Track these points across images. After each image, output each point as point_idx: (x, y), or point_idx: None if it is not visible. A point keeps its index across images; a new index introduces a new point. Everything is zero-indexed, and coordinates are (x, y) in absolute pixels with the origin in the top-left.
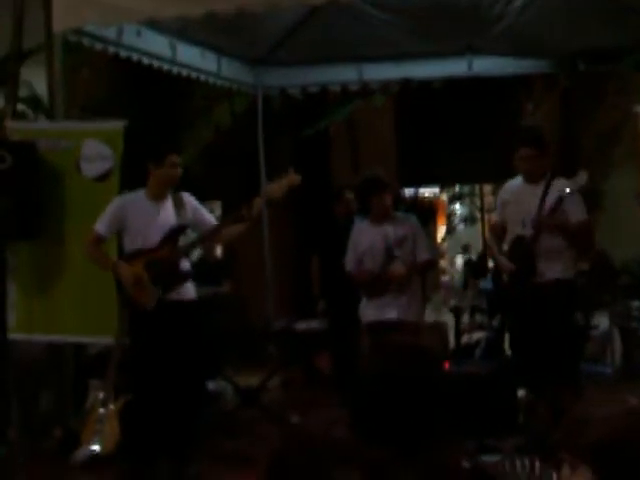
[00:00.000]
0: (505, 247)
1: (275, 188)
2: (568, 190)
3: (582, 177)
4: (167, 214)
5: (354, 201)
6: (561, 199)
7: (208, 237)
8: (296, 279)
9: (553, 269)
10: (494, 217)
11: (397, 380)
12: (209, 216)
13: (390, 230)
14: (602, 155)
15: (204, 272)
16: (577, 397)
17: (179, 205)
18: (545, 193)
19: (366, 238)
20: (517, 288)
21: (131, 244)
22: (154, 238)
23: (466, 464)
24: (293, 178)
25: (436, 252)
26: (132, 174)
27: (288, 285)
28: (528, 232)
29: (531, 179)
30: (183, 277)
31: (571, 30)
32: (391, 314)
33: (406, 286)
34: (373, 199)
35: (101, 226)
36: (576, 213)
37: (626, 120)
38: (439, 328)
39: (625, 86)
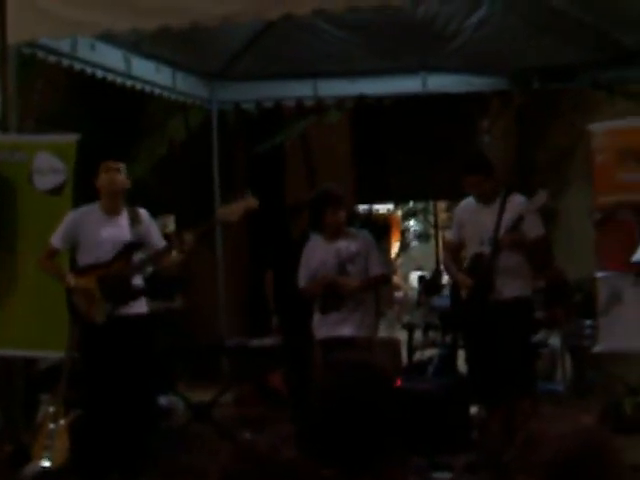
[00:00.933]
0: (464, 265)
1: (231, 211)
2: (528, 209)
3: (542, 196)
4: (121, 229)
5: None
6: (521, 217)
7: (155, 259)
8: (250, 295)
9: (511, 287)
10: (448, 235)
11: (345, 398)
12: (159, 237)
13: (343, 246)
14: (557, 172)
15: (157, 287)
16: (531, 414)
17: (135, 220)
18: (501, 211)
19: (319, 254)
20: (475, 305)
21: (84, 258)
22: (107, 252)
23: None
24: (251, 202)
25: (389, 268)
26: (85, 188)
27: (242, 301)
28: (487, 250)
29: (484, 201)
30: (135, 293)
31: (526, 47)
32: (344, 330)
33: (359, 302)
34: (326, 215)
35: (56, 239)
36: (533, 229)
37: (581, 137)
38: (392, 344)
39: (580, 103)
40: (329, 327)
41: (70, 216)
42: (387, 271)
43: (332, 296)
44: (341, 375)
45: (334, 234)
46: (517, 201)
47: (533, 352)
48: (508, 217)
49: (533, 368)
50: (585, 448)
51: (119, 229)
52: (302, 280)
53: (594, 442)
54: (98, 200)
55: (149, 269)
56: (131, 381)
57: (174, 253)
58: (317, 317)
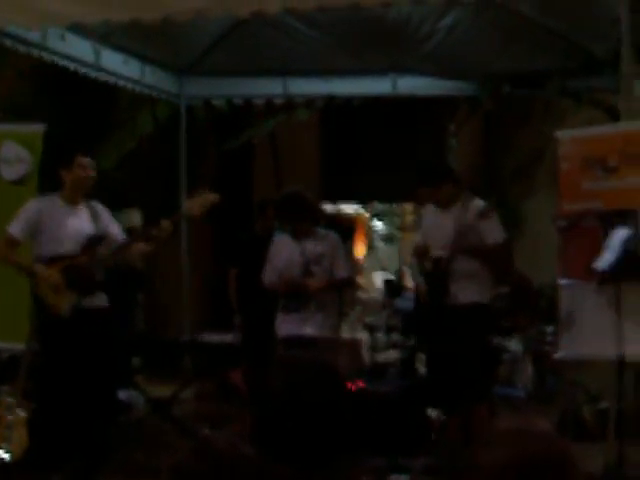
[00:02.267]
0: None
1: (194, 205)
2: (483, 215)
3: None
4: (81, 221)
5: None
6: (470, 225)
7: (118, 252)
8: (214, 291)
9: (467, 292)
10: (417, 238)
11: (297, 397)
12: (119, 229)
13: (309, 246)
14: (523, 178)
15: (119, 281)
16: (487, 419)
17: (94, 214)
18: (461, 216)
19: (285, 252)
20: (431, 309)
21: (42, 248)
22: (67, 244)
23: None
24: (210, 197)
25: (354, 270)
26: (51, 178)
27: (206, 297)
28: (446, 254)
29: (443, 207)
30: (99, 285)
31: (497, 53)
32: (306, 330)
33: (322, 303)
34: (293, 217)
35: (15, 229)
36: (492, 235)
37: (547, 144)
38: (354, 345)
39: (548, 110)
40: (291, 326)
41: (30, 205)
42: (352, 274)
43: (295, 296)
44: (292, 375)
45: (301, 234)
46: (476, 205)
47: (490, 358)
48: (466, 222)
49: (490, 373)
50: (541, 454)
51: (81, 221)
52: (267, 276)
53: (550, 448)
54: (60, 190)
55: (113, 261)
56: (91, 373)
57: (142, 244)
58: (280, 316)
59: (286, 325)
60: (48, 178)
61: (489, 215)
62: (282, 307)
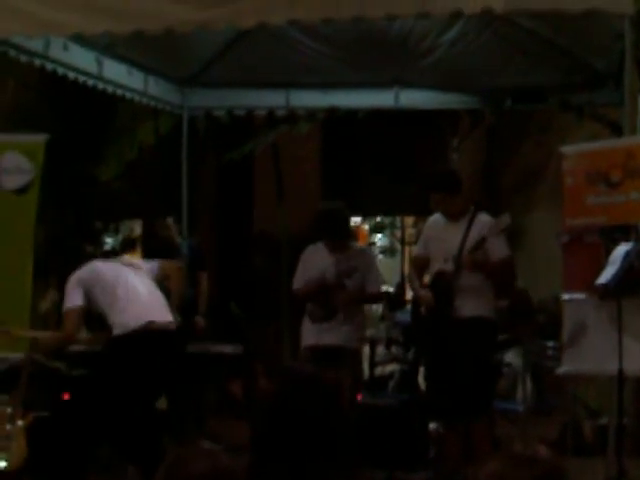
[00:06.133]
0: (427, 280)
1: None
2: (491, 232)
3: (505, 218)
4: None
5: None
6: (483, 239)
7: None
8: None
9: (471, 306)
10: (416, 250)
11: (295, 410)
12: None
13: (343, 259)
14: (524, 192)
15: None
16: (487, 435)
17: None
18: (468, 229)
19: (319, 262)
20: (434, 322)
21: None
22: None
23: None
24: None
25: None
26: (52, 188)
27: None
28: (450, 267)
29: (451, 218)
30: None
31: (499, 67)
32: (332, 340)
33: (350, 315)
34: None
35: None
36: (498, 251)
37: (549, 158)
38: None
39: (550, 125)
40: (317, 335)
41: None
42: (383, 290)
43: (324, 306)
44: (291, 387)
45: (336, 247)
46: (483, 220)
47: (491, 372)
48: (473, 236)
49: (490, 388)
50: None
51: None
52: (297, 282)
53: (547, 473)
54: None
55: None
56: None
57: None
58: (306, 324)
59: (312, 333)
60: (48, 188)
61: (497, 232)
62: (309, 314)
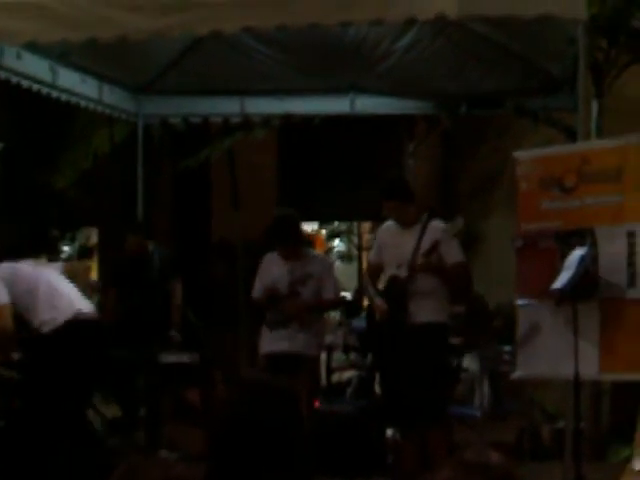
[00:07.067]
0: (380, 287)
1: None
2: (444, 235)
3: (459, 222)
4: None
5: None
6: (437, 243)
7: None
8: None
9: (425, 311)
10: (370, 257)
11: (251, 418)
12: None
13: (297, 266)
14: (481, 197)
15: None
16: (442, 441)
17: None
18: (421, 236)
19: (274, 271)
20: (389, 328)
21: None
22: None
23: None
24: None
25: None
26: (6, 195)
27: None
28: (403, 273)
29: (404, 225)
30: None
31: (454, 72)
32: (289, 346)
33: (307, 322)
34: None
35: None
36: (452, 256)
37: (505, 164)
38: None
39: (506, 130)
40: (274, 342)
41: None
42: (339, 296)
43: (279, 314)
44: (244, 396)
45: (290, 254)
46: (436, 226)
47: (447, 378)
48: (426, 242)
49: (445, 394)
50: None
51: None
52: (255, 292)
53: (499, 478)
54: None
55: None
56: (51, 396)
57: None
58: (264, 332)
59: (269, 341)
60: (2, 196)
61: (450, 236)
62: (266, 323)
